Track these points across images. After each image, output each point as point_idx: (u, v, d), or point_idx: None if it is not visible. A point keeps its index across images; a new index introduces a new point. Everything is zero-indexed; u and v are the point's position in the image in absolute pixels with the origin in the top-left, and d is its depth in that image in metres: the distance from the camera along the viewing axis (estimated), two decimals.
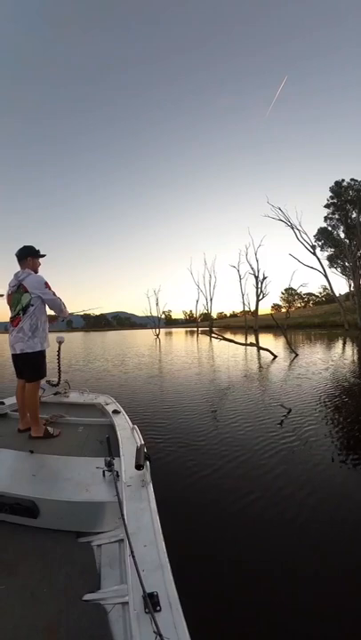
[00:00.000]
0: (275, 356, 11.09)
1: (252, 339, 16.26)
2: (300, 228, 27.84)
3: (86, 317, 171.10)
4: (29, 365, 2.50)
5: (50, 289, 2.54)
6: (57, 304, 2.59)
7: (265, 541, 1.96)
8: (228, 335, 11.92)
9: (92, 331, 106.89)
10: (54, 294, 2.57)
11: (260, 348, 11.69)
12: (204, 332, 12.72)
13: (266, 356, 11.74)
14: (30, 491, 1.54)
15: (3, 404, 3.06)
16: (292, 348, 11.80)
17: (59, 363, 3.77)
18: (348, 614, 1.48)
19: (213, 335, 11.91)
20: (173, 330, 65.03)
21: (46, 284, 2.53)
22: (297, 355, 11.33)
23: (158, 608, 0.87)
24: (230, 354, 13.20)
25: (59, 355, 3.74)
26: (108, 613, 1.04)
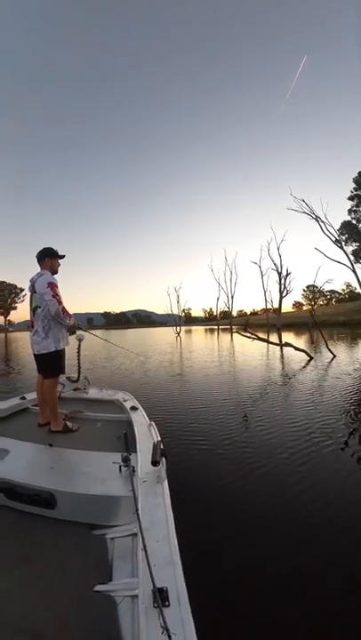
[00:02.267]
0: (311, 358, 10.28)
1: (274, 337, 15.71)
2: (325, 220, 26.63)
3: (106, 315, 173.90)
4: (45, 364, 2.59)
5: (53, 290, 2.45)
6: (52, 306, 2.44)
7: (280, 547, 1.90)
8: (248, 334, 11.21)
9: (112, 329, 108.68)
10: (54, 296, 2.45)
11: (296, 349, 10.78)
12: (237, 331, 11.96)
13: (294, 355, 11.25)
14: (48, 483, 1.58)
15: (24, 398, 3.15)
16: (329, 348, 10.97)
17: (78, 360, 3.81)
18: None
19: (247, 334, 10.96)
20: (193, 328, 64.67)
21: (50, 284, 2.45)
22: (335, 356, 10.36)
23: (167, 603, 0.88)
24: (257, 354, 12.87)
25: (78, 352, 3.76)
26: (118, 605, 1.06)
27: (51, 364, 2.57)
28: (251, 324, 12.31)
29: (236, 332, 13.12)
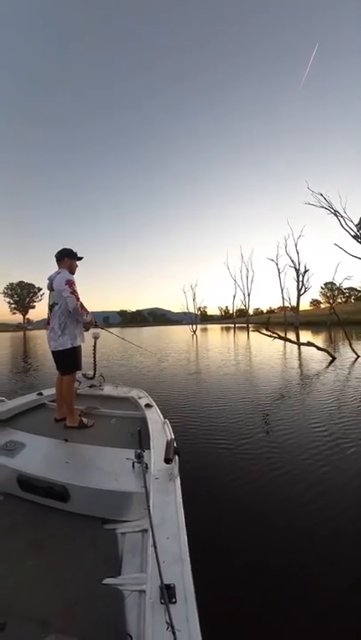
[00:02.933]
0: (333, 358, 9.77)
1: (292, 336, 15.33)
2: (344, 214, 25.84)
3: (122, 313, 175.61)
4: (62, 360, 2.64)
5: (71, 287, 2.50)
6: (71, 302, 2.49)
7: (292, 550, 1.87)
8: (265, 332, 10.83)
9: (128, 326, 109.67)
10: (72, 293, 2.49)
11: (318, 348, 10.34)
12: (257, 330, 11.56)
13: (314, 355, 10.95)
14: (63, 476, 1.62)
15: (41, 394, 3.20)
16: (352, 348, 10.55)
17: (94, 357, 3.87)
18: None
19: (268, 333, 10.56)
20: (209, 326, 64.46)
21: (68, 281, 2.50)
22: (358, 356, 9.88)
23: (174, 600, 0.89)
24: (275, 353, 12.66)
25: (94, 349, 3.82)
26: (125, 599, 1.08)
27: (67, 360, 2.61)
28: (270, 322, 12.03)
29: (256, 330, 12.80)
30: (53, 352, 2.62)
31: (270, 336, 10.54)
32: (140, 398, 3.10)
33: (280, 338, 10.42)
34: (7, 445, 1.97)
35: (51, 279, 2.61)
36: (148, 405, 2.79)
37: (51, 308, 2.58)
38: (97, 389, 3.62)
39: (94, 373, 3.85)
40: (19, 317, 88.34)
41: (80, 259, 2.83)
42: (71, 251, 2.77)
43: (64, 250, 2.75)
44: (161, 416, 2.52)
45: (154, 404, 2.85)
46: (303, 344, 10.73)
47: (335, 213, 25.96)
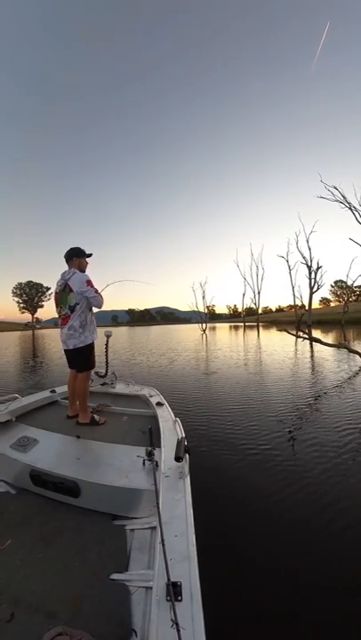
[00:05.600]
0: None
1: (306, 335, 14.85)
2: (360, 207, 24.95)
3: (131, 312, 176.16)
4: (81, 358, 2.66)
5: (92, 286, 2.62)
6: (98, 301, 2.65)
7: (300, 554, 1.82)
8: (274, 330, 10.06)
9: (136, 325, 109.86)
10: (96, 291, 2.63)
11: (350, 351, 9.12)
12: (285, 330, 10.13)
13: (340, 356, 10.50)
14: (74, 472, 1.64)
15: (54, 392, 3.24)
16: None
17: (106, 355, 3.92)
18: None
19: (298, 334, 9.65)
20: (218, 325, 63.96)
21: (88, 282, 2.61)
22: None
23: (180, 598, 0.88)
24: (292, 352, 12.30)
25: (106, 348, 3.88)
26: (131, 595, 1.09)
27: (87, 356, 2.66)
28: (280, 320, 11.36)
29: (285, 330, 11.58)
30: (72, 350, 2.64)
31: (301, 337, 9.77)
32: (151, 396, 3.13)
33: (311, 339, 9.46)
34: (20, 441, 2.01)
35: (66, 279, 2.60)
36: (159, 404, 2.81)
37: (72, 308, 2.57)
38: (109, 387, 3.66)
39: (106, 371, 3.89)
40: (27, 316, 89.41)
41: (89, 255, 2.86)
42: (79, 249, 2.81)
43: (72, 250, 2.79)
44: (172, 414, 2.54)
45: (165, 402, 2.86)
46: (337, 346, 9.97)
47: (350, 207, 25.16)
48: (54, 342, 22.77)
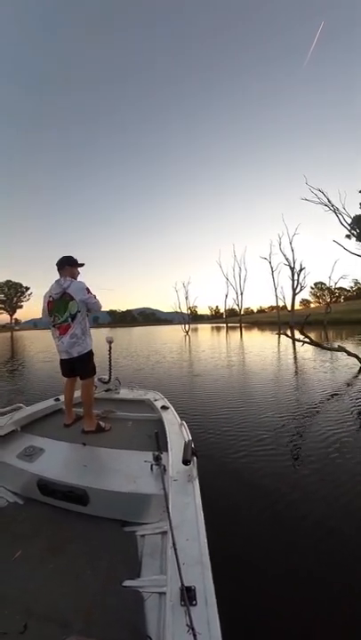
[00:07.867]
0: None
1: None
2: (343, 211, 25.66)
3: (112, 313, 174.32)
4: (85, 364, 2.64)
5: (91, 293, 2.66)
6: (99, 306, 2.73)
7: (317, 556, 1.81)
8: (255, 331, 9.97)
9: (118, 326, 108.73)
10: (95, 297, 2.69)
11: (349, 354, 8.73)
12: (283, 333, 9.72)
13: (334, 359, 10.70)
14: (82, 480, 1.63)
15: (58, 400, 3.18)
16: None
17: (110, 361, 3.86)
18: None
19: (296, 338, 9.34)
20: (200, 326, 64.17)
21: (87, 289, 2.65)
22: None
23: (194, 602, 0.86)
24: (284, 355, 12.45)
25: (110, 354, 3.84)
26: (145, 601, 1.08)
27: (89, 363, 2.66)
28: (261, 321, 11.27)
29: (283, 333, 11.35)
30: (77, 357, 2.59)
31: (300, 341, 9.25)
32: (155, 400, 3.08)
33: (312, 343, 9.12)
34: (27, 451, 1.99)
35: (64, 288, 2.57)
36: (164, 407, 2.76)
37: (74, 316, 2.55)
38: (113, 393, 3.62)
39: (110, 377, 3.83)
40: (6, 317, 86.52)
41: (81, 265, 2.86)
42: (71, 258, 2.80)
43: (64, 258, 2.77)
44: (178, 418, 2.50)
45: (170, 405, 2.82)
46: (335, 349, 9.47)
47: (334, 210, 25.80)
48: (35, 344, 22.18)
